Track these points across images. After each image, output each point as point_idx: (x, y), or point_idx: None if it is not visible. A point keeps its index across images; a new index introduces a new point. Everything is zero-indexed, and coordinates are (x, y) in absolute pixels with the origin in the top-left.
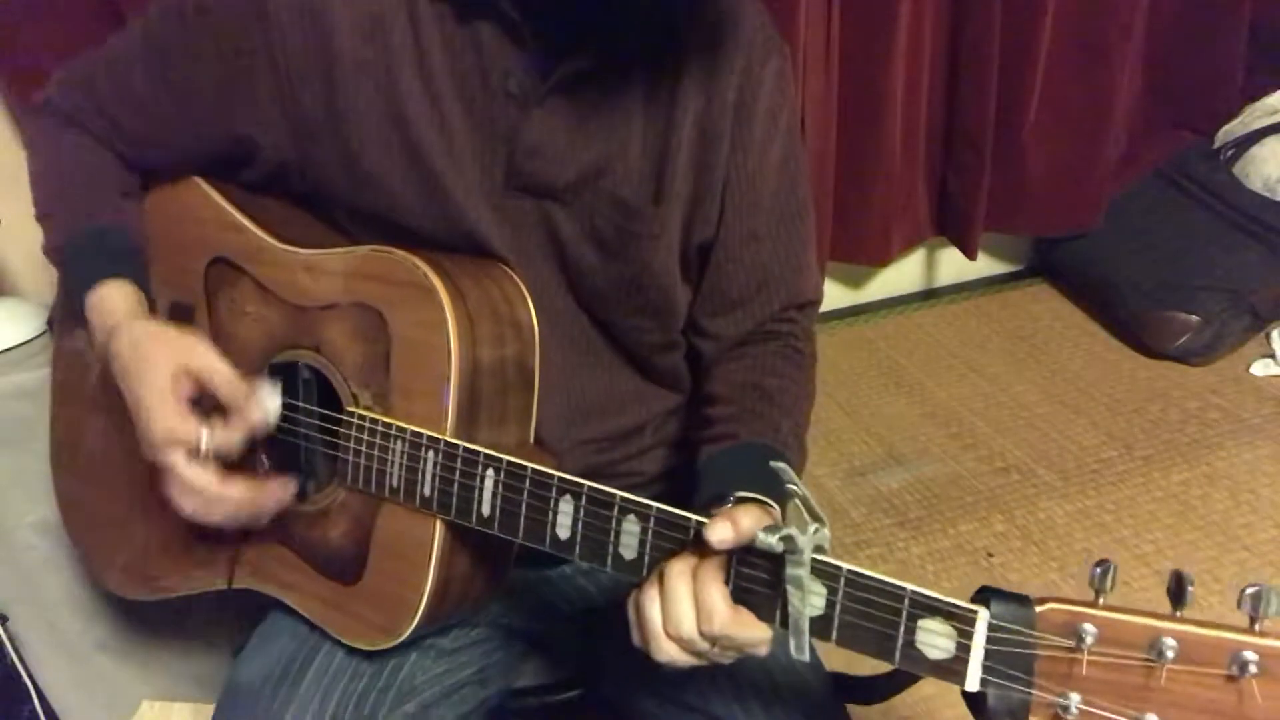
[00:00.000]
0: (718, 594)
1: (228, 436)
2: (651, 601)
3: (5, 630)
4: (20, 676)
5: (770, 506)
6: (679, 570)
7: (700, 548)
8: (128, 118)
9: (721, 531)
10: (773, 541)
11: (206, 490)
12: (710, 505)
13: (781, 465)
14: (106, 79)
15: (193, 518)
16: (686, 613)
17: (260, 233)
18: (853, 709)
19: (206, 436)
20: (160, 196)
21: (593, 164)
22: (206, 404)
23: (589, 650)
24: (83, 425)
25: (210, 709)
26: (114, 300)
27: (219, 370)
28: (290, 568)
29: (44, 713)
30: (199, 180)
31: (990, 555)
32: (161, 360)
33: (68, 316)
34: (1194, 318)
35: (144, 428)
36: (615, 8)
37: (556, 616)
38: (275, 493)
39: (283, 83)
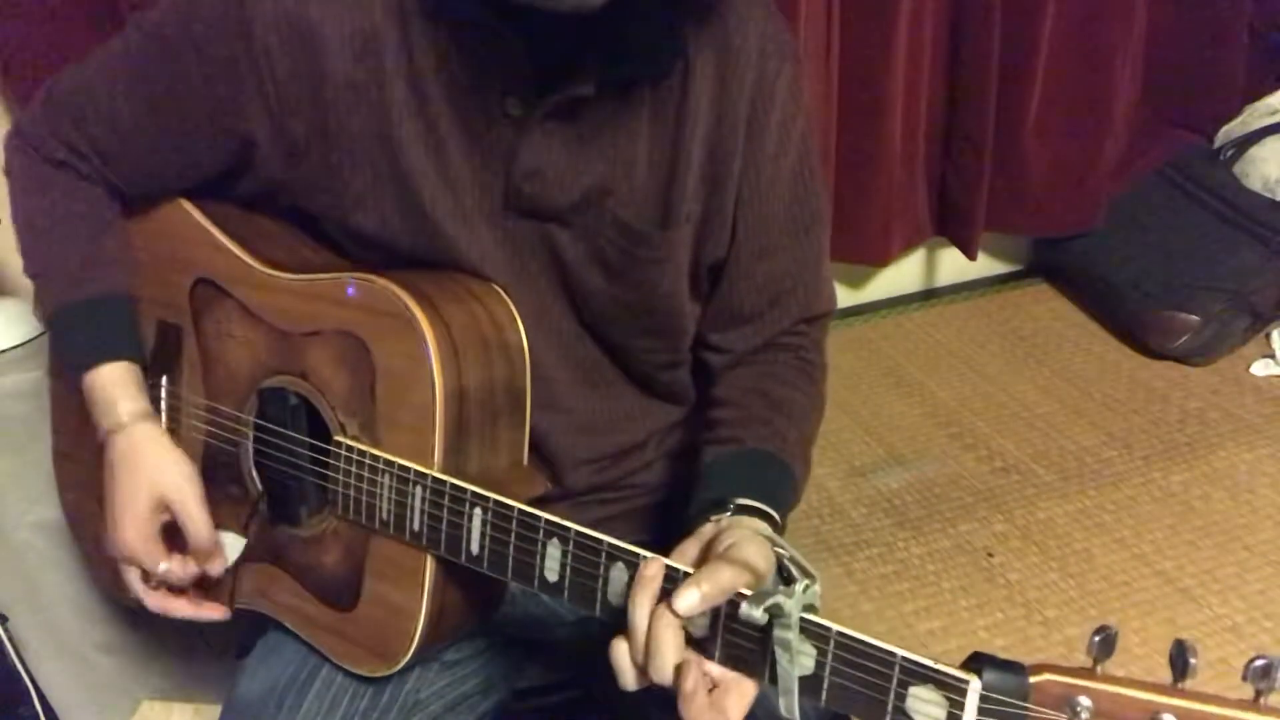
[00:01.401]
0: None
1: (182, 573)
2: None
3: (5, 630)
4: (20, 676)
5: (767, 516)
6: (665, 617)
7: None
8: (114, 145)
9: (687, 601)
10: (757, 614)
11: (149, 604)
12: (709, 510)
13: (768, 532)
14: (91, 108)
15: None
16: (671, 658)
17: (244, 255)
18: None
19: (163, 569)
20: (144, 215)
21: (596, 186)
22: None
23: (588, 652)
24: (82, 439)
25: (210, 709)
26: (111, 388)
27: (197, 518)
28: (289, 592)
29: (44, 713)
30: (182, 200)
31: (990, 555)
32: (148, 483)
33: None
34: (1194, 318)
35: (111, 529)
36: (616, 26)
37: (556, 621)
38: (207, 613)
39: (272, 106)
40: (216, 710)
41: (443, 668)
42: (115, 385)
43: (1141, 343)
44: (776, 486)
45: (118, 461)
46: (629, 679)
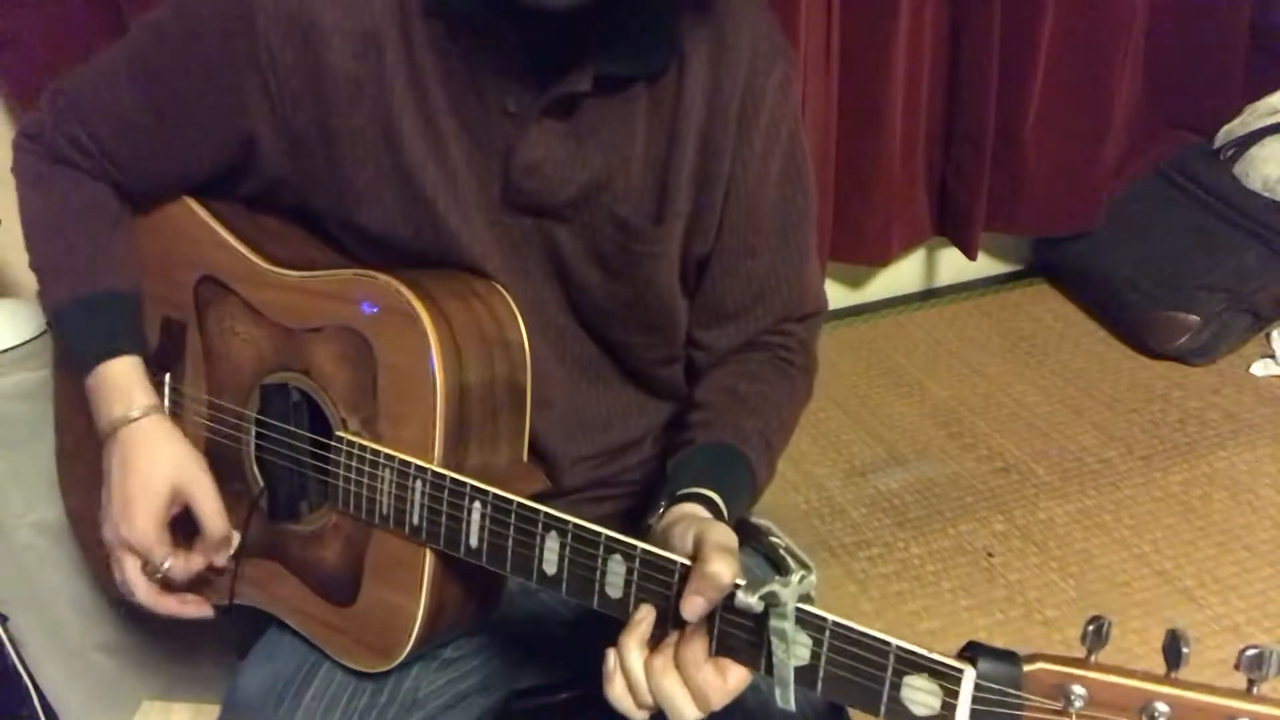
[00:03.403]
0: (708, 674)
1: (186, 569)
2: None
3: (5, 630)
4: (20, 676)
5: (709, 502)
6: (661, 668)
7: (679, 625)
8: (119, 141)
9: (692, 609)
10: (752, 601)
11: (142, 597)
12: (656, 512)
13: (765, 522)
14: (95, 104)
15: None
16: (687, 708)
17: (248, 253)
18: (854, 713)
19: (168, 565)
20: (150, 213)
21: (593, 181)
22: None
23: (588, 651)
24: (88, 438)
25: (210, 709)
26: (120, 382)
27: (214, 510)
28: (288, 588)
29: (44, 713)
30: (188, 198)
31: (990, 555)
32: (165, 475)
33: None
34: (1194, 318)
35: (116, 520)
36: (613, 23)
37: (556, 620)
38: (195, 612)
39: (274, 101)
40: (216, 710)
41: (442, 666)
42: (125, 379)
43: (1141, 343)
44: (725, 472)
45: (130, 453)
46: (639, 716)
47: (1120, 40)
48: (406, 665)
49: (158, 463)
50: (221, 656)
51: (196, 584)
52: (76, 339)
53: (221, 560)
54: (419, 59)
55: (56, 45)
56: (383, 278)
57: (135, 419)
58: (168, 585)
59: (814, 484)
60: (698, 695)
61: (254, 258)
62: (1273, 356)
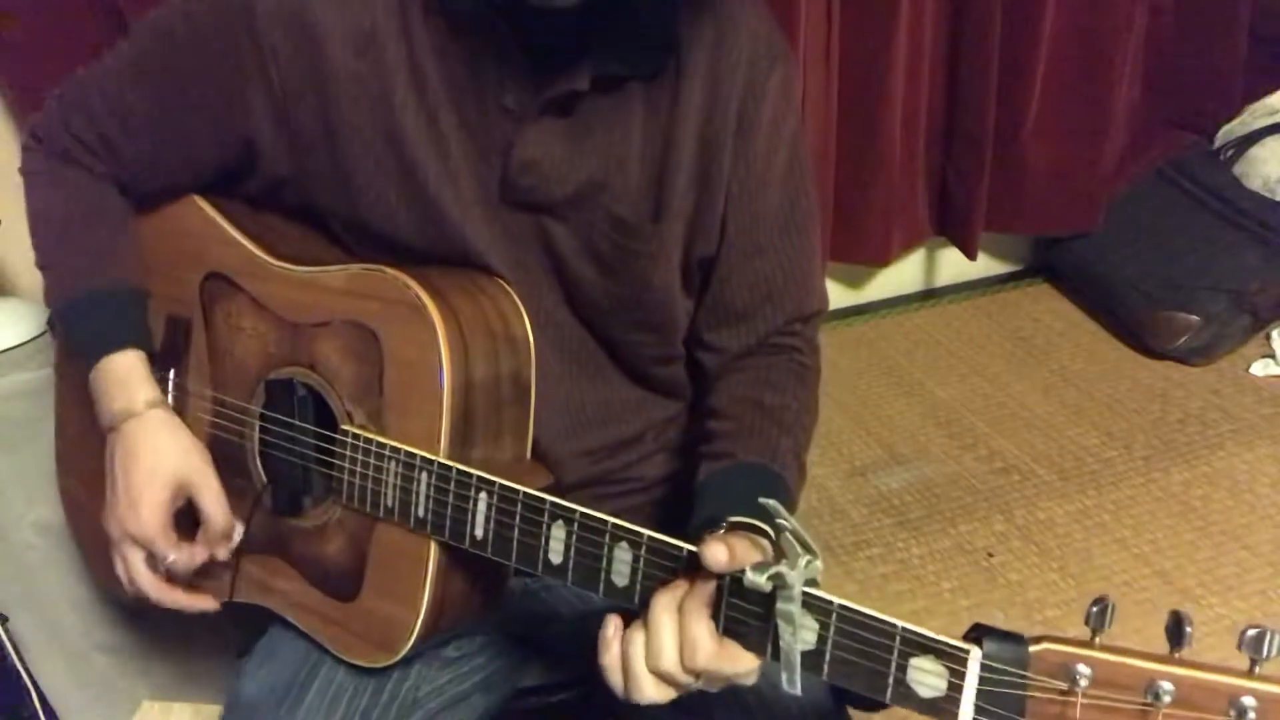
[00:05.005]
0: (703, 628)
1: (189, 561)
2: (635, 638)
3: (5, 630)
4: (20, 676)
5: (764, 533)
6: (664, 604)
7: (690, 576)
8: (124, 141)
9: (717, 552)
10: (761, 581)
11: (147, 590)
12: (704, 529)
13: (772, 502)
14: (101, 103)
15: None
16: (669, 646)
17: (255, 249)
18: (854, 713)
19: (172, 558)
20: (157, 212)
21: (590, 180)
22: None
23: (589, 652)
24: (89, 433)
25: (210, 709)
26: (124, 375)
27: (218, 502)
28: (290, 583)
29: (44, 713)
30: (194, 196)
31: (990, 555)
32: (169, 467)
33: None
34: (1194, 318)
35: (121, 512)
36: (611, 22)
37: (557, 620)
38: (200, 604)
39: (276, 99)
40: (216, 710)
41: (443, 665)
42: (128, 373)
43: (1141, 343)
44: (770, 498)
45: (133, 446)
46: (648, 686)
47: (1120, 40)
48: (407, 665)
49: (161, 455)
50: (221, 656)
51: (200, 578)
52: (81, 333)
53: (224, 554)
54: (419, 57)
55: (57, 46)
56: (390, 271)
57: (138, 412)
58: (173, 578)
59: (814, 484)
60: (685, 642)
61: (261, 253)
62: (1273, 356)
